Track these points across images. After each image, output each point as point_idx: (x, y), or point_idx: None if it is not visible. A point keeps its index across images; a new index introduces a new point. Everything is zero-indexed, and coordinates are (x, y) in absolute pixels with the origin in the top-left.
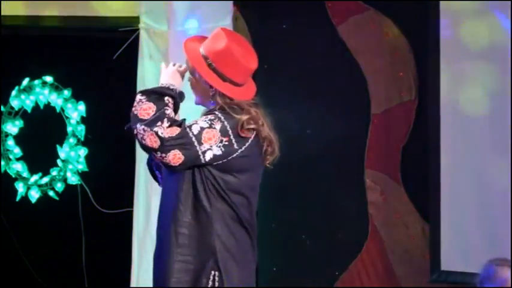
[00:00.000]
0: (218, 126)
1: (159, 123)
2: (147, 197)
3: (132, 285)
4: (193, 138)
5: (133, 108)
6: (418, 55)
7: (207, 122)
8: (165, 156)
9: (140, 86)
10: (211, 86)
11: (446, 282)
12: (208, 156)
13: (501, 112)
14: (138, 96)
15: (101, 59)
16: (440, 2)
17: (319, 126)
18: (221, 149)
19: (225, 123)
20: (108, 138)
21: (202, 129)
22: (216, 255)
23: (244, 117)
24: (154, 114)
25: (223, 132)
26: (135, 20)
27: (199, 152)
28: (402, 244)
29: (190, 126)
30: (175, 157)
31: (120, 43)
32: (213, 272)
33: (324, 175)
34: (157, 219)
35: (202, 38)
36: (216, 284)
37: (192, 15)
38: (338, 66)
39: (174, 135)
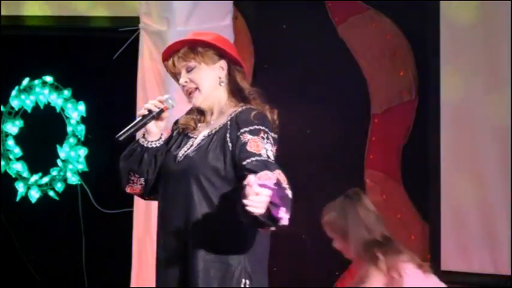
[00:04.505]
0: (271, 138)
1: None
2: None
3: (132, 285)
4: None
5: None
6: (418, 55)
7: (267, 142)
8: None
9: (140, 86)
10: (223, 69)
11: (446, 282)
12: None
13: (501, 112)
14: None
15: (101, 59)
16: (440, 2)
17: (319, 126)
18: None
19: (271, 133)
20: (108, 138)
21: (272, 151)
22: (246, 262)
23: (266, 106)
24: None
25: (274, 140)
26: (135, 20)
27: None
28: (402, 244)
29: (269, 156)
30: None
31: (120, 43)
32: (243, 281)
33: (324, 175)
34: (175, 226)
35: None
36: None
37: (192, 15)
38: (338, 66)
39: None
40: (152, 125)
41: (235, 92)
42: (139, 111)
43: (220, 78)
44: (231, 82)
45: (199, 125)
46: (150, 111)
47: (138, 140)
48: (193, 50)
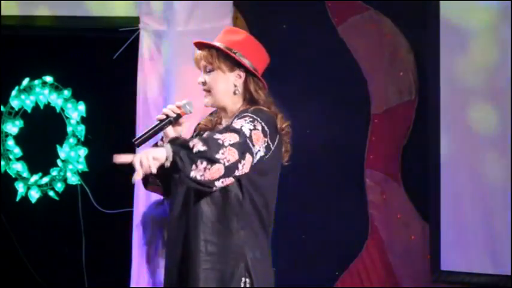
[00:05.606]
0: (259, 127)
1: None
2: (147, 197)
3: (132, 285)
4: (248, 140)
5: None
6: (418, 55)
7: (250, 124)
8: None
9: (140, 86)
10: (238, 79)
11: (446, 282)
12: (258, 157)
13: (501, 111)
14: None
15: (101, 59)
16: (440, 2)
17: (319, 126)
18: (264, 150)
19: (262, 123)
20: (108, 138)
21: (251, 130)
22: (246, 261)
23: (279, 114)
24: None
25: (264, 132)
26: (135, 20)
27: (255, 154)
28: (402, 244)
29: (242, 129)
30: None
31: (120, 43)
32: (243, 279)
33: (324, 175)
34: (178, 225)
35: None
36: None
37: (192, 15)
38: (338, 66)
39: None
40: (170, 130)
41: (249, 100)
42: (139, 111)
43: (236, 86)
44: (246, 91)
45: (218, 126)
46: (167, 115)
47: (156, 143)
48: (212, 55)
